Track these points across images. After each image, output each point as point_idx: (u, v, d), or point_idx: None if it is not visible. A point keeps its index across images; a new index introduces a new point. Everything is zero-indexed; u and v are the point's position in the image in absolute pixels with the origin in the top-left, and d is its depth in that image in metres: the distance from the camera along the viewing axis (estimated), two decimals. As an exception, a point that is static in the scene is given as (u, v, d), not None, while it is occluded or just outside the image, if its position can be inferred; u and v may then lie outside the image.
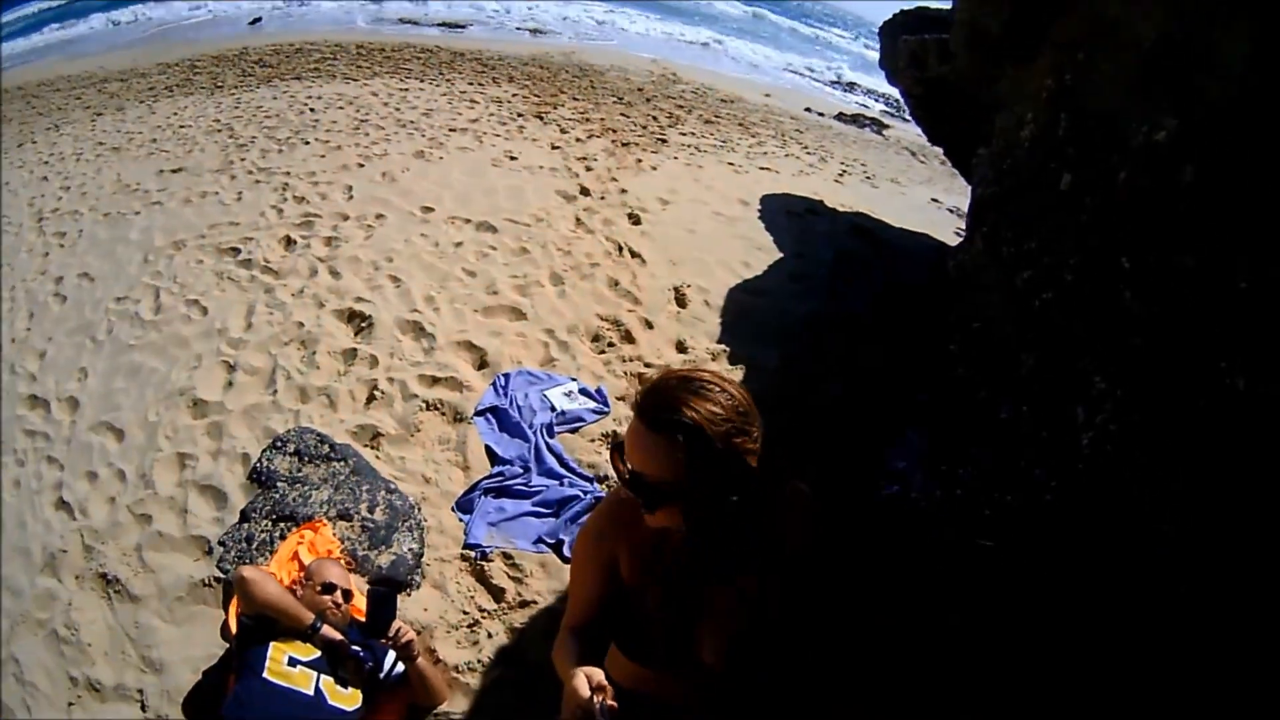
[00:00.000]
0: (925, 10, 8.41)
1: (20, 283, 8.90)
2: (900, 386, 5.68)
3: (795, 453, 5.36)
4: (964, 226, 7.28)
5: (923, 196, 12.31)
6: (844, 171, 12.77)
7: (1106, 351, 3.45)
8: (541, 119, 12.96)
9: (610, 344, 6.79)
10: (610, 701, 1.88)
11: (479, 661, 4.30)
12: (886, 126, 16.96)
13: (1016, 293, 4.16)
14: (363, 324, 6.88)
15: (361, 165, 10.51)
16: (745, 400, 2.08)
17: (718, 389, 2.03)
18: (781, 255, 8.49)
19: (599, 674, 1.94)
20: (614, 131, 12.49)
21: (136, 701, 4.27)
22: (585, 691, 1.88)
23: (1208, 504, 2.86)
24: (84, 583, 4.93)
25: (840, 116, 18.28)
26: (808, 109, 18.28)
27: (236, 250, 8.38)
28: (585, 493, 5.20)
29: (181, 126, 13.63)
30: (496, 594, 4.68)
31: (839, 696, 3.69)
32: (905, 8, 8.78)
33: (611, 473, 5.34)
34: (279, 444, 5.49)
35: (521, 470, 5.39)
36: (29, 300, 8.44)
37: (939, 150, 9.72)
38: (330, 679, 3.84)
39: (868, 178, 12.80)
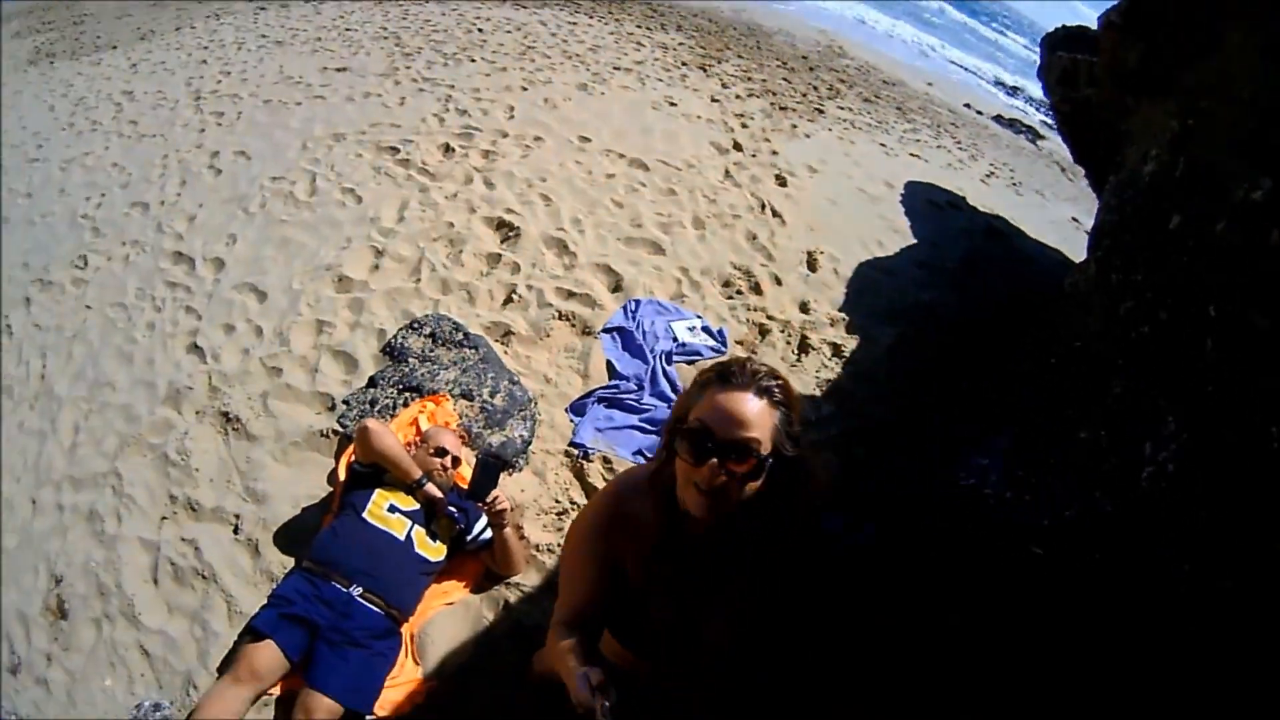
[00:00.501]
0: (1086, 30, 8.31)
1: (174, 152, 9.42)
2: (999, 388, 5.75)
3: (887, 434, 5.62)
4: (1090, 248, 7.31)
5: (1065, 214, 12.07)
6: (991, 173, 12.66)
7: (1183, 394, 3.53)
8: (704, 71, 13.05)
9: (739, 291, 6.98)
10: (609, 701, 1.88)
11: (559, 545, 4.60)
12: (1042, 137, 16.60)
13: (1118, 320, 4.22)
14: (510, 233, 7.18)
15: (525, 89, 10.72)
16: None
17: (789, 385, 2.17)
18: (915, 241, 8.57)
19: (599, 673, 1.94)
20: (773, 94, 12.51)
21: (231, 525, 4.68)
22: (586, 692, 1.89)
23: (1232, 553, 2.98)
24: (204, 418, 5.37)
25: (998, 118, 17.89)
26: (967, 105, 18.00)
27: (395, 149, 8.70)
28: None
29: (348, 29, 14.00)
30: (589, 491, 5.00)
31: (838, 695, 3.74)
32: (1073, 23, 8.67)
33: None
34: (415, 325, 5.85)
35: (636, 388, 5.69)
36: (182, 169, 8.94)
37: (1086, 170, 9.68)
38: (422, 530, 4.27)
39: (1014, 184, 12.67)
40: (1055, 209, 11.47)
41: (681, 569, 2.34)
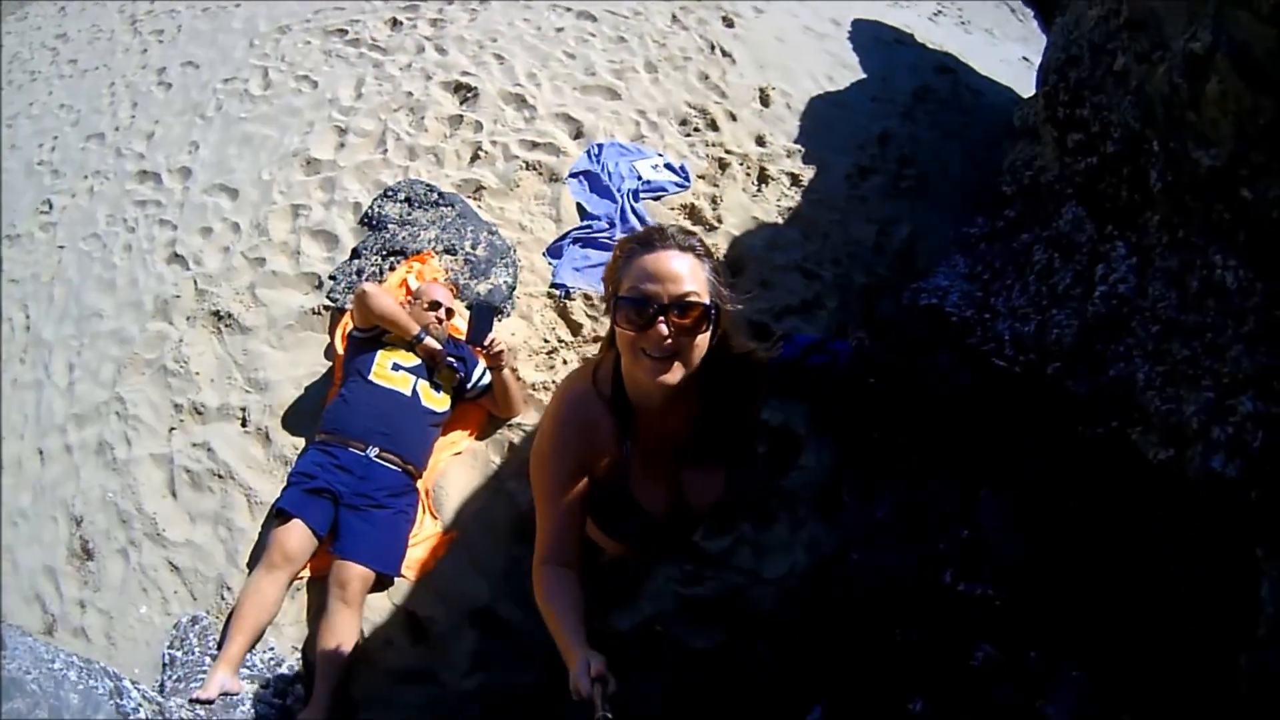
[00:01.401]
0: None
1: (120, 79, 9.45)
2: (955, 216, 5.90)
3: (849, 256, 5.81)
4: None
5: (1015, 53, 11.81)
6: (939, 11, 12.42)
7: (1127, 219, 3.73)
8: (641, -86, 12.77)
9: (696, 129, 7.02)
10: (609, 689, 1.84)
11: (553, 382, 4.82)
12: None
13: (1066, 151, 4.39)
14: (468, 94, 7.18)
15: (467, -51, 10.57)
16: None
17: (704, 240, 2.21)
18: (865, 76, 8.54)
19: (600, 663, 1.88)
20: (716, -69, 12.28)
21: (238, 419, 4.84)
22: (585, 682, 1.84)
23: (1183, 344, 3.13)
24: (195, 321, 5.48)
25: (947, -44, 17.64)
26: (915, -59, 17.73)
27: (343, 31, 8.65)
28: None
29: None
30: (574, 328, 5.25)
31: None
32: None
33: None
34: (389, 192, 5.94)
35: (608, 225, 5.84)
36: (131, 92, 8.99)
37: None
38: (426, 384, 4.47)
39: (962, 22, 12.47)
40: (1005, 48, 11.34)
41: (656, 449, 2.38)
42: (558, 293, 5.38)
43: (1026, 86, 8.10)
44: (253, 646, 3.77)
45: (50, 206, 7.49)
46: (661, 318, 2.02)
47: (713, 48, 8.26)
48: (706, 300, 2.06)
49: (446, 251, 5.40)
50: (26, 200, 7.79)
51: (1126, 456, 3.15)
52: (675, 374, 2.07)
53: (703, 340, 2.10)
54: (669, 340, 2.03)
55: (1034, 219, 4.58)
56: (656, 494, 2.41)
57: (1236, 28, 2.93)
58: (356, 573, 3.85)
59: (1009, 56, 10.02)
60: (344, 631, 3.72)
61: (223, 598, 4.00)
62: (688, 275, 2.04)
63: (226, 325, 5.38)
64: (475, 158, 6.44)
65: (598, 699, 1.79)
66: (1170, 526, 2.90)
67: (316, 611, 3.91)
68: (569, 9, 8.71)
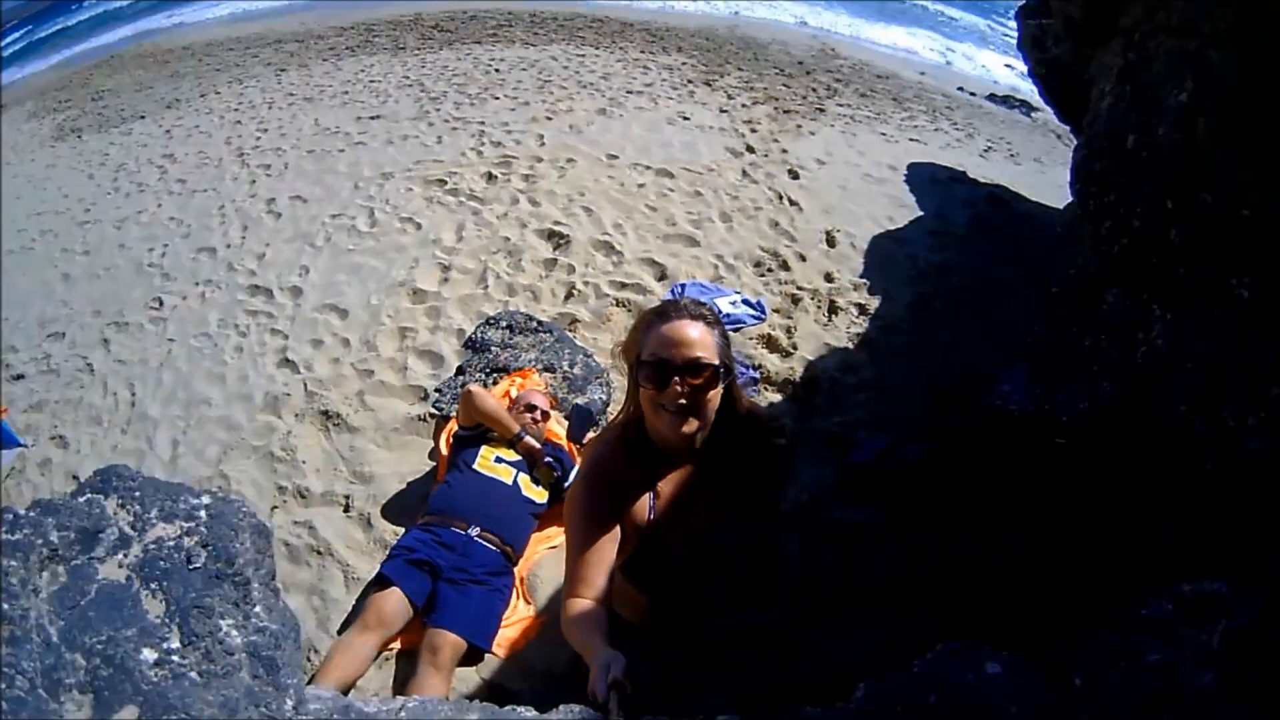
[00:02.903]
0: (1051, -5, 8.73)
1: (229, 203, 10.08)
2: (1016, 329, 6.17)
3: (919, 372, 6.21)
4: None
5: (1063, 176, 12.36)
6: (989, 148, 13.15)
7: (1161, 285, 4.02)
8: (709, 85, 13.67)
9: (769, 269, 7.64)
10: (625, 692, 1.96)
11: None
12: (1035, 109, 16.74)
13: (1102, 240, 4.67)
14: (561, 241, 7.86)
15: (549, 118, 11.42)
16: None
17: (712, 309, 2.51)
18: (922, 214, 9.13)
19: (620, 667, 2.01)
20: (776, 100, 13.10)
21: (341, 505, 5.16)
22: (603, 689, 1.97)
23: (1223, 389, 3.43)
24: (303, 418, 5.89)
25: (991, 97, 18.17)
26: (960, 88, 18.34)
27: (443, 181, 9.42)
28: (742, 374, 5.99)
29: (371, 81, 14.72)
30: None
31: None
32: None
33: (765, 362, 6.26)
34: (492, 321, 6.42)
35: (691, 357, 6.30)
36: (241, 216, 9.60)
37: (1083, 132, 9.99)
38: (526, 477, 4.84)
39: (1011, 155, 13.14)
40: (1053, 173, 11.81)
41: (680, 493, 2.59)
42: (646, 413, 5.84)
43: (1074, 204, 8.63)
44: (336, 703, 4.00)
45: (161, 304, 7.97)
46: (677, 378, 2.34)
47: (781, 198, 9.00)
48: (716, 362, 2.37)
49: (546, 370, 5.85)
50: (136, 295, 8.29)
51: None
52: (691, 425, 2.40)
53: (714, 396, 2.42)
54: (683, 399, 2.36)
55: (1082, 311, 4.83)
56: (676, 531, 2.58)
57: (1213, 67, 3.45)
58: (449, 640, 3.95)
59: (1058, 181, 10.52)
60: (431, 695, 3.67)
61: (309, 659, 4.09)
62: (698, 341, 2.35)
63: (335, 424, 5.77)
64: (569, 295, 7.02)
65: (613, 706, 1.92)
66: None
67: (402, 683, 3.96)
68: (649, 167, 9.49)
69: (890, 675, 2.38)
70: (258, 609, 1.99)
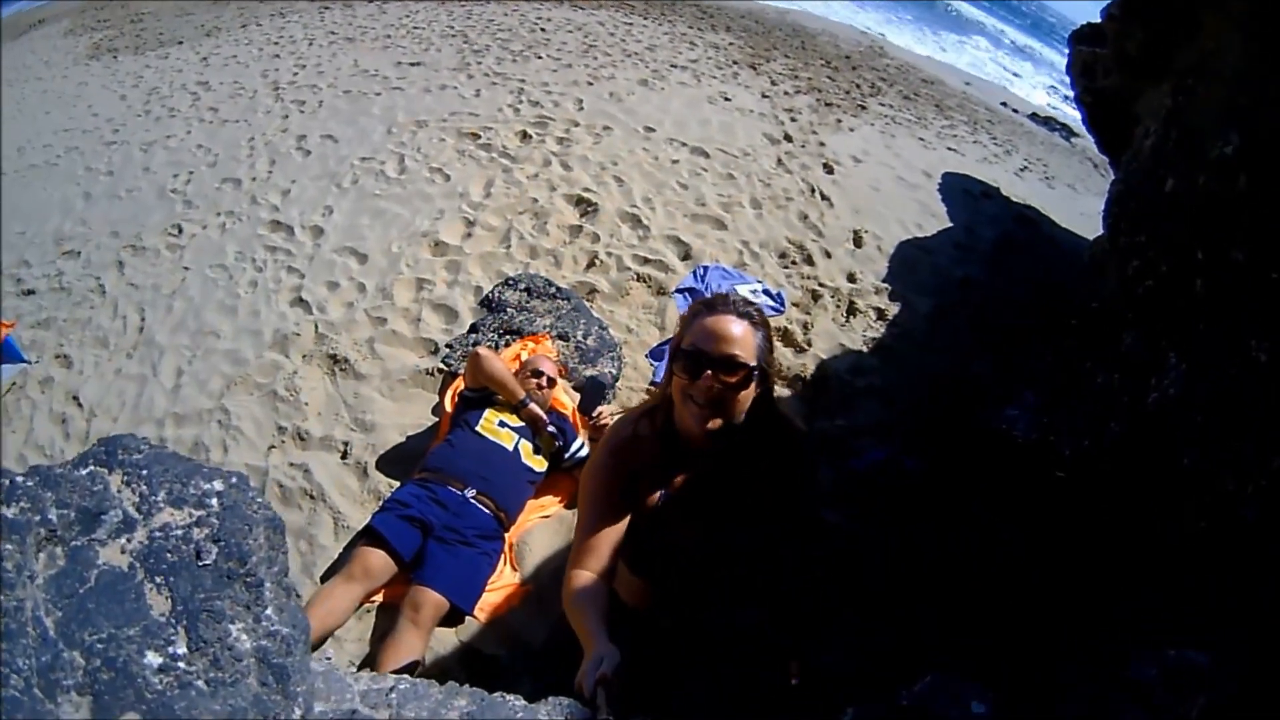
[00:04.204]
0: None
1: (259, 136, 10.04)
2: (1025, 350, 6.17)
3: (929, 385, 6.15)
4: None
5: (1094, 207, 12.31)
6: (1025, 168, 13.10)
7: (1179, 332, 3.98)
8: (754, 69, 13.59)
9: (793, 262, 7.55)
10: (612, 691, 1.92)
11: None
12: (1076, 135, 16.68)
13: (1127, 279, 4.64)
14: (588, 208, 7.77)
15: (590, 84, 11.32)
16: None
17: (763, 312, 2.46)
18: (951, 225, 9.08)
19: (612, 664, 1.98)
20: (819, 91, 13.04)
21: (339, 451, 5.11)
22: (589, 685, 1.94)
23: (1226, 448, 3.39)
24: (311, 360, 5.85)
25: (1034, 116, 18.17)
26: (1004, 103, 18.34)
27: (477, 135, 9.31)
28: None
29: (415, 27, 14.63)
30: None
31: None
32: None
33: (778, 355, 6.16)
34: (510, 281, 6.38)
35: (707, 338, 6.25)
36: (270, 150, 9.56)
37: (1121, 164, 9.96)
38: (527, 444, 4.79)
39: (1046, 178, 13.10)
40: (1086, 202, 11.81)
41: (695, 489, 2.57)
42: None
43: (1102, 235, 8.58)
44: (312, 651, 3.91)
45: (180, 231, 7.95)
46: (709, 371, 2.31)
47: (813, 191, 8.90)
48: (752, 363, 2.33)
49: (559, 337, 5.80)
50: (156, 219, 8.28)
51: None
52: (716, 422, 2.37)
53: (744, 397, 2.38)
54: (714, 392, 2.33)
55: (1097, 345, 4.84)
56: (684, 526, 2.56)
57: (1261, 124, 3.36)
58: (432, 599, 3.94)
59: (1089, 210, 10.49)
60: (407, 651, 3.77)
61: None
62: (739, 339, 2.32)
63: (341, 369, 5.73)
64: (591, 264, 6.94)
65: (601, 702, 1.90)
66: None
67: (380, 636, 3.97)
68: (685, 144, 9.39)
69: (875, 706, 2.34)
70: (269, 610, 1.91)
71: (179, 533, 1.91)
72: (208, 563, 1.88)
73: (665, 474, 2.56)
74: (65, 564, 1.72)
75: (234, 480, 2.12)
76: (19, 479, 1.79)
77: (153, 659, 1.64)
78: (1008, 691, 2.34)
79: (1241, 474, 3.17)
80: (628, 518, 2.51)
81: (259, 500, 2.11)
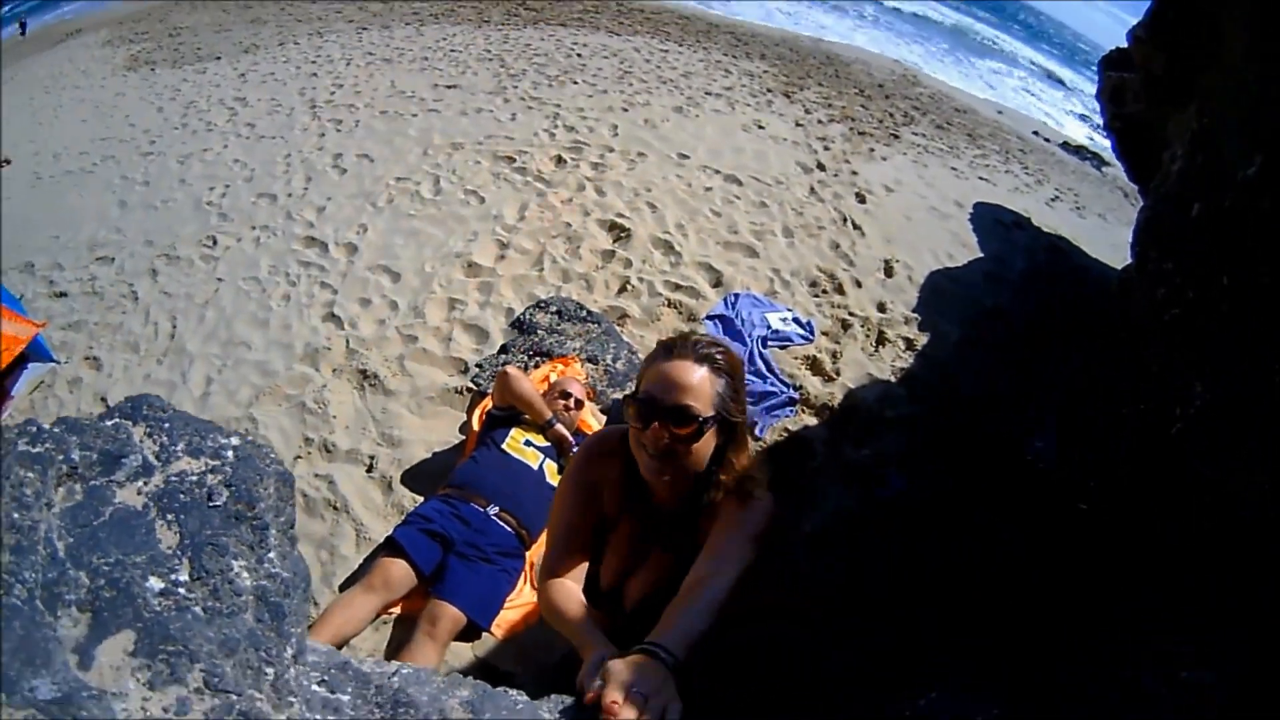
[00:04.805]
0: (1134, 50, 8.52)
1: (296, 153, 10.15)
2: (1053, 379, 6.20)
3: (956, 416, 6.09)
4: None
5: (1124, 235, 12.29)
6: (1056, 197, 13.06)
7: (1206, 360, 3.84)
8: (788, 97, 13.65)
9: (824, 291, 7.52)
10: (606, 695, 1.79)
11: None
12: (1107, 164, 16.57)
13: (1155, 306, 4.51)
14: (621, 234, 7.81)
15: (625, 110, 11.40)
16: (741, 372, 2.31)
17: (731, 353, 2.29)
18: (982, 255, 9.04)
19: (601, 664, 1.89)
20: (852, 120, 13.05)
21: (365, 465, 5.13)
22: (592, 681, 1.84)
23: (1250, 473, 3.28)
24: (341, 374, 5.88)
25: (1065, 145, 18.11)
26: (1035, 132, 18.30)
27: (512, 159, 9.39)
28: (782, 392, 6.02)
29: (452, 50, 14.79)
30: None
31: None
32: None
33: (807, 384, 6.17)
34: (542, 304, 6.40)
35: (737, 364, 6.28)
36: (306, 167, 9.66)
37: (1154, 194, 9.89)
38: (553, 464, 4.78)
39: (1077, 207, 13.05)
40: (1115, 231, 11.73)
41: (636, 531, 2.47)
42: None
43: (1133, 266, 8.54)
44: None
45: (214, 243, 8.05)
46: (657, 422, 2.15)
47: (845, 220, 8.89)
48: (707, 413, 2.15)
49: (589, 361, 5.82)
50: (190, 230, 8.39)
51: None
52: (666, 473, 2.22)
53: (700, 449, 2.20)
54: (663, 444, 2.16)
55: (1126, 377, 4.77)
56: (627, 580, 2.51)
57: None
58: (450, 613, 3.94)
59: (1118, 240, 10.45)
60: (422, 664, 3.40)
61: (308, 615, 4.10)
62: (694, 387, 2.15)
63: (371, 385, 5.76)
64: (623, 289, 6.97)
65: (606, 707, 1.78)
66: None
67: (396, 648, 3.96)
68: (718, 171, 9.44)
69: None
70: (272, 554, 1.93)
71: (194, 478, 1.94)
72: (217, 504, 1.90)
73: (624, 503, 2.48)
74: (82, 499, 1.75)
75: (250, 439, 2.15)
76: (46, 425, 1.83)
77: (155, 583, 1.65)
78: (1007, 701, 2.34)
79: (1268, 513, 3.09)
80: (593, 523, 2.49)
81: (272, 455, 2.13)
